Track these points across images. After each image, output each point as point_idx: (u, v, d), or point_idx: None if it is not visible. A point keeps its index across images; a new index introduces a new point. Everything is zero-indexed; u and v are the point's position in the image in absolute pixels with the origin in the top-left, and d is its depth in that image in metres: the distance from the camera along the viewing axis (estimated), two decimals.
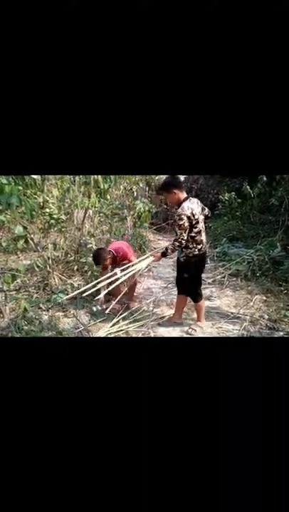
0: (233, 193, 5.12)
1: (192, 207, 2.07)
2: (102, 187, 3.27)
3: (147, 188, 6.32)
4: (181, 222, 2.00)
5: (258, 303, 2.92)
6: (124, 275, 2.23)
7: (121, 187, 4.70)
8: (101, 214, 4.00)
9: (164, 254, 2.17)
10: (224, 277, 3.60)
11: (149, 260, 2.25)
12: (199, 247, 2.15)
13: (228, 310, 2.82)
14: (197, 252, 2.16)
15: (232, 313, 2.73)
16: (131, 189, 4.99)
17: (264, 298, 3.02)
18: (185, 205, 2.05)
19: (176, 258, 2.51)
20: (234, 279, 3.58)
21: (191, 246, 2.12)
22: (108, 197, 3.80)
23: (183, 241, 2.05)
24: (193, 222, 2.07)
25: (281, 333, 2.39)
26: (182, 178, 8.46)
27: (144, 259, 2.27)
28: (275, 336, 2.37)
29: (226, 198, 5.11)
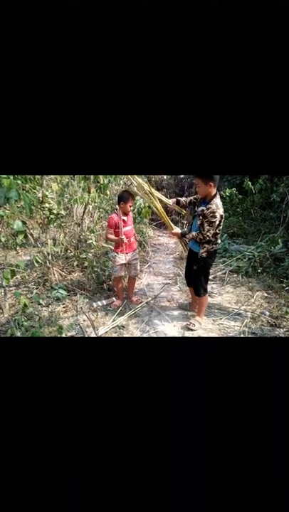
0: (234, 189, 5.08)
1: (220, 205, 2.10)
2: (101, 182, 3.23)
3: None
4: (214, 220, 2.03)
5: (259, 299, 2.91)
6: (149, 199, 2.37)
7: (121, 182, 4.66)
8: (101, 209, 3.96)
9: (183, 235, 2.25)
10: (225, 274, 3.58)
11: (169, 202, 2.33)
12: (219, 241, 2.24)
13: (229, 306, 2.81)
14: (216, 248, 2.24)
15: (233, 309, 2.72)
16: (131, 184, 4.94)
17: (265, 294, 3.01)
18: (218, 202, 2.08)
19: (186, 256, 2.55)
20: (235, 275, 3.56)
21: (213, 242, 2.17)
22: (108, 192, 3.76)
23: (207, 237, 2.09)
24: (221, 221, 2.11)
25: (282, 330, 2.37)
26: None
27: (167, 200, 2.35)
28: (276, 332, 2.36)
29: (227, 193, 5.06)
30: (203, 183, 2.08)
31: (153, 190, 2.37)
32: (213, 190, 2.10)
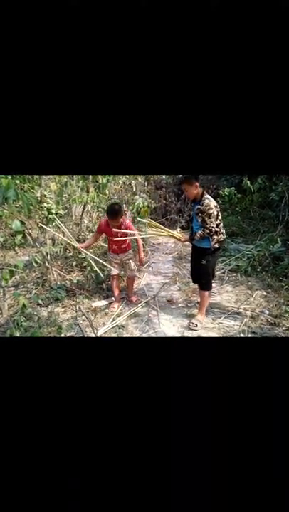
0: (233, 188, 5.08)
1: (211, 198, 2.30)
2: (100, 182, 3.22)
3: (146, 183, 6.26)
4: (211, 212, 2.21)
5: (258, 298, 2.91)
6: (153, 235, 2.52)
7: (120, 181, 4.65)
8: (100, 209, 3.95)
9: (192, 239, 2.38)
10: (224, 273, 3.59)
11: (176, 235, 2.47)
12: (224, 231, 2.40)
13: (228, 305, 2.81)
14: (224, 237, 2.39)
15: (233, 308, 2.72)
16: (130, 184, 4.93)
17: (264, 293, 3.01)
18: (208, 196, 2.29)
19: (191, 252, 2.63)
20: (234, 274, 3.57)
21: (220, 232, 2.31)
22: (107, 192, 3.75)
23: (213, 229, 2.25)
24: (218, 211, 2.30)
25: (282, 329, 2.38)
26: None
27: (172, 232, 2.49)
28: (276, 331, 2.36)
29: (226, 193, 5.07)
30: (189, 185, 2.26)
31: (164, 228, 2.55)
32: (200, 190, 2.29)
